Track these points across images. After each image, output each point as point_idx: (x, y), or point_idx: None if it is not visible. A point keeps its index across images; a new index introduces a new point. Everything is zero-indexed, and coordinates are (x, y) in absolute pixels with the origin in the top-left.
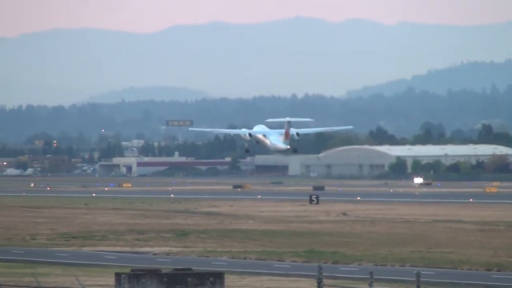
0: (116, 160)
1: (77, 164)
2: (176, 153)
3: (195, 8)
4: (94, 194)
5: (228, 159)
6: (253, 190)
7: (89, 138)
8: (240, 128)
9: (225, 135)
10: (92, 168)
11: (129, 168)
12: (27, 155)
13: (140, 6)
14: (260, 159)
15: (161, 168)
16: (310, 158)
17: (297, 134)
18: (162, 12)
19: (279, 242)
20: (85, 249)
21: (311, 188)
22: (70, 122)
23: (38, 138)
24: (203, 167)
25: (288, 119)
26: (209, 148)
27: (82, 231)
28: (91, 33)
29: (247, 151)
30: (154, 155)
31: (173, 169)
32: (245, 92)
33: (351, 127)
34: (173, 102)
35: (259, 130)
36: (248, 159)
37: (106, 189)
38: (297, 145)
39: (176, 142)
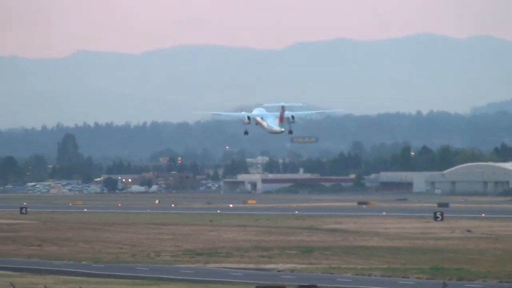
0: (241, 177)
1: (202, 181)
2: (301, 170)
3: (319, 25)
4: (218, 211)
5: (352, 175)
6: (378, 206)
7: (213, 155)
8: None
9: (349, 152)
10: (216, 185)
11: (253, 185)
12: (152, 172)
13: (265, 23)
14: (384, 176)
15: (286, 184)
16: (434, 175)
17: (292, 117)
18: (286, 29)
19: (404, 258)
20: (210, 266)
21: (435, 205)
22: (195, 138)
23: (162, 154)
24: (328, 184)
25: (282, 103)
26: (333, 165)
27: (206, 247)
28: (215, 50)
29: (246, 133)
30: (278, 171)
31: (298, 186)
32: (370, 108)
33: (342, 110)
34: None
35: (257, 113)
36: (373, 175)
37: (230, 205)
38: (293, 128)
39: (300, 158)
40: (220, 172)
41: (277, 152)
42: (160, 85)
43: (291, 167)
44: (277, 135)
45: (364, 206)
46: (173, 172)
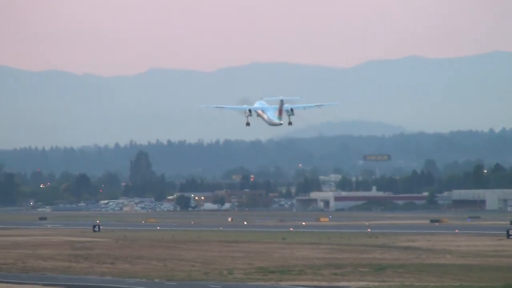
0: (314, 195)
1: (275, 199)
2: (374, 188)
3: (389, 44)
4: (291, 229)
5: (425, 193)
6: (451, 224)
7: (286, 173)
8: None
9: (422, 169)
10: (289, 203)
11: (326, 203)
12: (224, 190)
13: (335, 42)
14: (457, 194)
15: (359, 202)
16: (507, 193)
17: (291, 109)
18: (356, 47)
19: (476, 276)
20: (283, 283)
21: (508, 222)
22: (268, 156)
23: (235, 172)
24: (400, 202)
25: (281, 97)
26: (406, 183)
27: (279, 265)
28: (286, 67)
29: (247, 124)
30: (351, 189)
31: (370, 204)
32: (443, 126)
33: (337, 103)
34: (370, 136)
35: (258, 106)
36: (445, 193)
37: (303, 223)
38: (293, 120)
39: (373, 176)
40: (293, 189)
41: (350, 169)
42: (233, 103)
43: (364, 185)
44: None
45: (436, 224)
46: (245, 190)
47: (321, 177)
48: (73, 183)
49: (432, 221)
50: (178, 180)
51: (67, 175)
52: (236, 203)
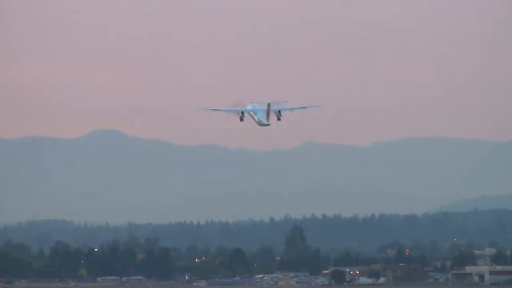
0: (469, 269)
1: (430, 273)
2: None
3: None
4: None
5: None
6: None
7: (441, 247)
8: None
9: None
10: (444, 277)
11: (481, 277)
12: (379, 264)
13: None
14: None
15: None
16: None
17: (279, 111)
18: None
19: None
20: None
21: None
22: (422, 230)
23: (390, 246)
24: None
25: (268, 101)
26: None
27: None
28: (446, 142)
29: (241, 119)
30: (506, 263)
31: None
32: None
33: (321, 104)
34: None
35: (249, 108)
36: None
37: None
38: (282, 119)
39: None
40: (448, 264)
41: (506, 243)
42: (388, 177)
43: None
44: None
45: None
46: (401, 264)
47: (476, 251)
48: (228, 257)
49: None
50: (333, 254)
51: (222, 249)
52: (391, 277)
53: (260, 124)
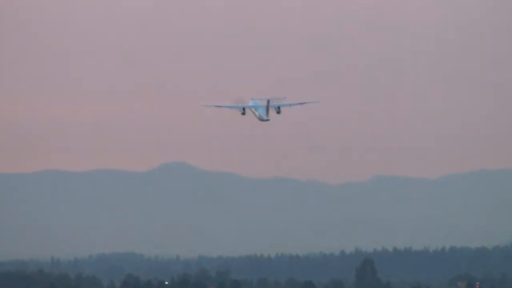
0: None
1: None
2: None
3: None
4: None
5: None
6: None
7: (511, 280)
8: None
9: None
10: None
11: None
12: None
13: None
14: None
15: None
16: None
17: (278, 107)
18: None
19: None
20: None
21: None
22: (493, 263)
23: (460, 279)
24: None
25: (268, 97)
26: None
27: None
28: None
29: (243, 114)
30: None
31: None
32: None
33: (318, 101)
34: None
35: (251, 104)
36: None
37: None
38: (281, 114)
39: None
40: None
41: None
42: (459, 210)
43: None
44: None
45: None
46: None
47: None
48: None
49: None
50: (404, 287)
51: (292, 282)
52: None
53: (261, 119)
